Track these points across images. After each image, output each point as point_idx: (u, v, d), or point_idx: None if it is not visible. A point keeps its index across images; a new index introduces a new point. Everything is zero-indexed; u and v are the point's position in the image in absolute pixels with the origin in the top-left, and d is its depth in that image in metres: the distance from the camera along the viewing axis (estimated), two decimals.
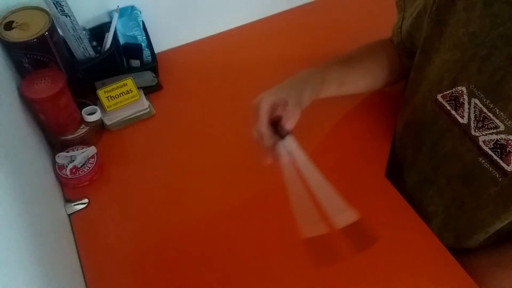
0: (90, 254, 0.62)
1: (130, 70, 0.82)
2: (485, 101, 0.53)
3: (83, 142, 0.71)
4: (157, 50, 0.87)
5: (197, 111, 0.82)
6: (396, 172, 0.74)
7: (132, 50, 0.81)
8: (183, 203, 0.69)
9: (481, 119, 0.55)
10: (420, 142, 0.67)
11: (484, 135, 0.55)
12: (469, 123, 0.57)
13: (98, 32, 0.78)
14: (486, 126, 0.54)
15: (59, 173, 0.67)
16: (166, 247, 0.64)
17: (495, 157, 0.55)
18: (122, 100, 0.76)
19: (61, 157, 0.69)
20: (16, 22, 0.65)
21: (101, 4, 0.79)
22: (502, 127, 0.52)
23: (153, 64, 0.83)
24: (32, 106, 0.66)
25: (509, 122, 0.51)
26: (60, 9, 0.67)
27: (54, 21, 0.67)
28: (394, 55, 0.73)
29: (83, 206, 0.67)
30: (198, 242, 0.65)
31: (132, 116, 0.78)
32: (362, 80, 0.72)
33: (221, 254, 0.63)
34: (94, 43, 0.77)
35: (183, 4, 0.86)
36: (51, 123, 0.69)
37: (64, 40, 0.71)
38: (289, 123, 0.57)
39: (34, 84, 0.64)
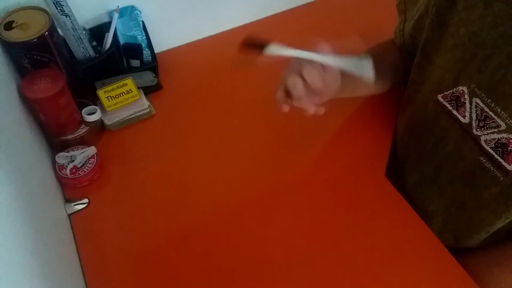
0: (90, 254, 0.62)
1: (130, 70, 0.81)
2: (486, 100, 0.53)
3: (83, 142, 0.71)
4: (157, 50, 0.87)
5: (197, 111, 0.82)
6: (396, 172, 0.74)
7: (132, 50, 0.81)
8: (183, 202, 0.69)
9: (482, 119, 0.55)
10: (422, 142, 0.67)
11: (485, 135, 0.55)
12: (470, 122, 0.57)
13: (98, 32, 0.78)
14: (487, 126, 0.54)
15: (59, 173, 0.67)
16: (166, 247, 0.64)
17: (496, 156, 0.55)
18: (122, 100, 0.76)
19: (61, 157, 0.69)
20: (16, 22, 0.65)
21: (101, 4, 0.79)
22: (503, 126, 0.52)
23: (153, 64, 0.83)
24: (32, 106, 0.66)
25: (510, 121, 0.51)
26: (60, 9, 0.67)
27: (54, 21, 0.67)
28: (399, 57, 0.73)
29: (83, 206, 0.67)
30: (198, 242, 0.65)
31: (132, 116, 0.78)
32: (372, 86, 0.73)
33: (221, 254, 0.63)
34: (94, 43, 0.77)
35: (183, 4, 0.86)
36: (51, 123, 0.69)
37: (64, 40, 0.71)
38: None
39: (34, 84, 0.64)
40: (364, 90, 0.73)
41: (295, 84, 0.56)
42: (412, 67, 0.67)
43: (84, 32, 0.73)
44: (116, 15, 0.77)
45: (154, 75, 0.82)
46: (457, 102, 0.58)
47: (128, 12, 0.81)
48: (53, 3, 0.65)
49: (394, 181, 0.71)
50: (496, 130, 0.53)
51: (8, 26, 0.64)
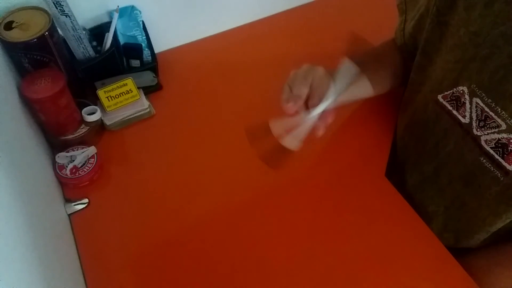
0: (90, 254, 0.62)
1: (130, 70, 0.82)
2: (487, 100, 0.53)
3: (83, 142, 0.71)
4: (157, 50, 0.87)
5: (197, 111, 0.82)
6: (396, 172, 0.74)
7: (132, 50, 0.81)
8: (183, 203, 0.69)
9: (482, 119, 0.55)
10: (423, 142, 0.67)
11: (486, 135, 0.55)
12: (470, 122, 0.57)
13: (98, 32, 0.78)
14: (487, 126, 0.54)
15: (59, 173, 0.67)
16: (166, 247, 0.64)
17: (496, 156, 0.55)
18: (122, 100, 0.76)
19: (61, 157, 0.69)
20: (16, 22, 0.65)
21: (101, 4, 0.79)
22: (503, 126, 0.52)
23: (153, 64, 0.83)
24: (32, 106, 0.66)
25: (511, 121, 0.51)
26: (60, 9, 0.67)
27: (54, 21, 0.67)
28: (399, 58, 0.73)
29: (83, 206, 0.67)
30: (198, 242, 0.64)
31: (132, 116, 0.78)
32: (373, 89, 0.73)
33: (221, 253, 0.63)
34: (94, 43, 0.77)
35: (183, 4, 0.86)
36: (51, 123, 0.69)
37: (64, 40, 0.71)
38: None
39: (34, 84, 0.64)
40: (364, 93, 0.73)
41: (301, 88, 0.56)
42: (412, 67, 0.67)
43: (84, 32, 0.73)
44: (116, 15, 0.77)
45: (154, 75, 0.82)
46: (457, 102, 0.58)
47: (128, 12, 0.81)
48: (53, 3, 0.65)
49: (394, 181, 0.71)
50: (496, 130, 0.53)
51: (8, 26, 0.64)
